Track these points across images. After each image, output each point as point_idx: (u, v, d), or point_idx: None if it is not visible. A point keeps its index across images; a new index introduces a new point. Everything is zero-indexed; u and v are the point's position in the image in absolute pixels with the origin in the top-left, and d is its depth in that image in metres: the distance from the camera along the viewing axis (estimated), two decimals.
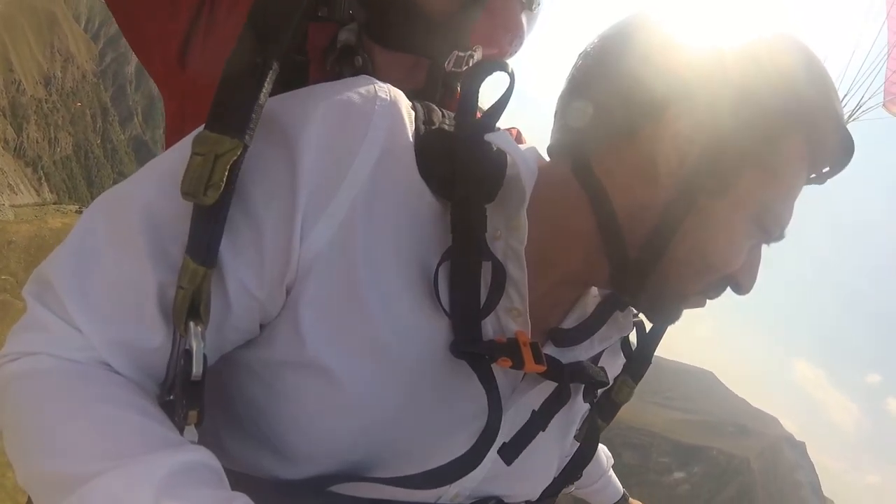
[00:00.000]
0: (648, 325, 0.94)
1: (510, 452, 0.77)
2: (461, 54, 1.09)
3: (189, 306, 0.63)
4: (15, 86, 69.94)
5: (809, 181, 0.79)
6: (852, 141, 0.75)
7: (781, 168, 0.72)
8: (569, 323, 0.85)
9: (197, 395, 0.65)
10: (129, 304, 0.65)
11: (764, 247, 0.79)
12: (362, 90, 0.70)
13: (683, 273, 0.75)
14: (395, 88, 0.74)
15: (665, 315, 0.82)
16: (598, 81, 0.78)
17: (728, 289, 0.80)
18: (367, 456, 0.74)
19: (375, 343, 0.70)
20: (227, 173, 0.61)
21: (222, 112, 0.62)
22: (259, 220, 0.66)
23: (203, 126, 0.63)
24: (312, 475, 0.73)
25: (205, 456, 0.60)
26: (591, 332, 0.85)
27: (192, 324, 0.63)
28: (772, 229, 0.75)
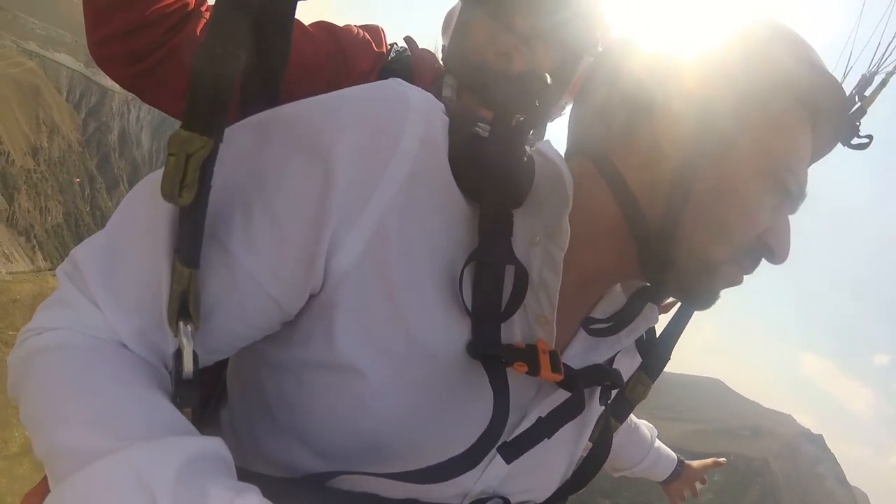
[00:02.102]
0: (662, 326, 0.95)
1: (510, 452, 0.78)
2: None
3: (179, 306, 0.63)
4: (4, 157, 70.71)
5: (823, 138, 0.81)
6: (838, 84, 0.77)
7: (780, 124, 0.75)
8: (598, 314, 0.86)
9: (190, 394, 0.65)
10: (150, 301, 0.66)
11: None
12: (394, 96, 0.70)
13: (705, 236, 0.75)
14: (427, 93, 0.75)
15: (699, 290, 0.80)
16: (597, 85, 0.83)
17: (764, 262, 0.80)
18: (386, 452, 0.74)
19: (408, 346, 0.71)
20: (199, 172, 0.60)
21: (192, 109, 0.60)
22: (283, 225, 0.66)
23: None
24: (338, 469, 0.74)
25: (220, 446, 0.60)
26: (625, 323, 0.85)
27: (181, 323, 0.64)
28: (789, 183, 0.76)
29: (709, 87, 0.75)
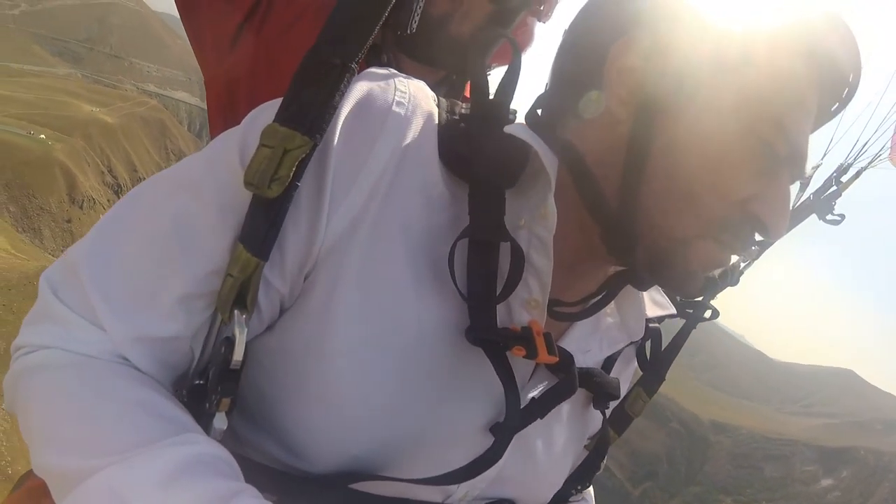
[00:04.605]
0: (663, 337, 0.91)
1: (503, 433, 0.71)
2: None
3: (237, 295, 0.63)
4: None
5: (832, 90, 0.70)
6: (843, 22, 0.68)
7: (752, 63, 0.65)
8: (571, 297, 0.78)
9: (233, 382, 0.65)
10: (146, 292, 0.65)
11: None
12: (382, 81, 0.69)
13: (669, 207, 0.67)
14: (416, 80, 0.73)
15: (671, 273, 0.70)
16: (555, 63, 0.78)
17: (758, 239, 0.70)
18: (375, 451, 0.70)
19: (391, 332, 0.68)
20: (293, 169, 0.60)
21: (296, 108, 0.61)
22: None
23: (273, 118, 0.62)
24: (319, 468, 0.71)
25: (212, 447, 0.59)
26: (595, 308, 0.78)
27: (237, 312, 0.63)
28: (773, 141, 0.65)
29: (657, 37, 0.67)
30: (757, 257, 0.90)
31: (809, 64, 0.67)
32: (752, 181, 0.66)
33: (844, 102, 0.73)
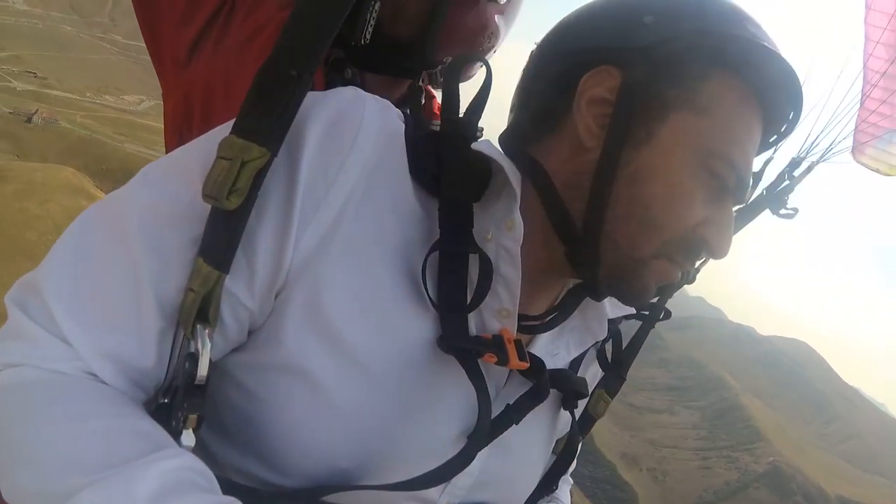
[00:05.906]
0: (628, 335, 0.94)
1: (480, 439, 0.73)
2: (431, 71, 1.19)
3: (198, 309, 0.62)
4: None
5: (774, 124, 0.78)
6: (791, 69, 0.72)
7: (710, 105, 0.71)
8: (533, 310, 0.81)
9: (199, 398, 0.64)
10: (124, 318, 0.64)
11: None
12: (350, 98, 0.70)
13: (630, 231, 0.72)
14: (381, 98, 0.74)
15: (627, 287, 0.76)
16: (523, 82, 0.82)
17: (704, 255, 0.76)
18: (355, 460, 0.71)
19: (366, 345, 0.69)
20: (251, 180, 0.60)
21: (253, 119, 0.62)
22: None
23: (230, 131, 0.62)
24: (300, 483, 0.71)
25: (192, 461, 0.58)
26: (559, 319, 0.83)
27: (199, 326, 0.62)
28: (724, 174, 0.72)
29: (628, 70, 0.71)
30: (707, 258, 0.95)
31: (757, 105, 0.74)
32: (704, 208, 0.72)
33: (783, 136, 0.80)
